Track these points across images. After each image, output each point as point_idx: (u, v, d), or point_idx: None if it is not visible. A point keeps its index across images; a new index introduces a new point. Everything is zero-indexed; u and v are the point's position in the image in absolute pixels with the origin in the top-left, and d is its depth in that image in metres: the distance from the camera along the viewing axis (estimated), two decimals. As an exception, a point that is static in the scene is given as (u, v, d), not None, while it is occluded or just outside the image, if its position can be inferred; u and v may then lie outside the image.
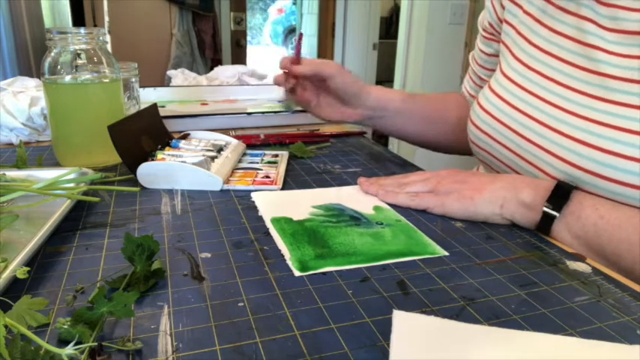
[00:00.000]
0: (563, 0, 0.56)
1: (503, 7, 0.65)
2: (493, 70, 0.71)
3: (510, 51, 0.62)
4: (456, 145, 0.79)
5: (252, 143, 0.79)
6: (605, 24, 0.50)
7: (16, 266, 0.37)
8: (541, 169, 0.54)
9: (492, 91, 0.62)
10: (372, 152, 0.78)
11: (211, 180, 0.59)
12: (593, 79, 0.50)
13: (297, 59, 0.70)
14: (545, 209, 0.48)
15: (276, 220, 0.51)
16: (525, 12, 0.60)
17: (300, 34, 0.74)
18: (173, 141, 0.69)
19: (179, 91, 1.15)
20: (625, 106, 0.47)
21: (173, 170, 0.59)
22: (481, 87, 0.75)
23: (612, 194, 0.48)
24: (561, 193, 0.49)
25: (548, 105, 0.53)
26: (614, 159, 0.47)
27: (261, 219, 0.51)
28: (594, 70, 0.50)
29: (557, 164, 0.52)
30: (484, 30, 0.72)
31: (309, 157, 0.74)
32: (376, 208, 0.55)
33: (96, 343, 0.30)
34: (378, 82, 3.76)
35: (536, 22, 0.58)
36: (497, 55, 0.69)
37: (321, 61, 0.73)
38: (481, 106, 0.63)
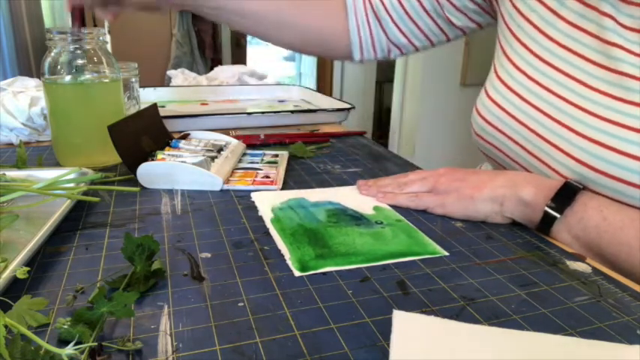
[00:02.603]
0: None
1: None
2: (459, 10, 0.69)
3: (516, 36, 0.59)
4: (309, 48, 0.77)
5: (252, 143, 0.79)
6: (625, 22, 0.49)
7: (16, 266, 0.37)
8: (551, 166, 0.53)
9: (502, 82, 0.60)
10: (372, 152, 0.78)
11: (211, 180, 0.59)
12: (612, 78, 0.49)
13: None
14: (547, 209, 0.48)
15: (276, 220, 0.51)
16: (539, 0, 0.58)
17: None
18: (173, 141, 0.69)
19: (179, 91, 1.15)
20: None
21: (173, 170, 0.59)
22: (426, 10, 0.71)
23: (621, 195, 0.47)
24: (567, 193, 0.48)
25: (563, 101, 0.52)
26: (628, 160, 0.46)
27: (261, 219, 0.51)
28: (614, 68, 0.49)
29: (568, 162, 0.51)
30: None
31: (309, 157, 0.74)
32: (376, 208, 0.55)
33: (96, 343, 0.30)
34: (378, 83, 3.78)
35: (551, 12, 0.56)
36: (476, 2, 0.67)
37: None
38: (490, 97, 0.61)
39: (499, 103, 0.59)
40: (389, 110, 2.76)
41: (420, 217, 0.53)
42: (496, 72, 0.62)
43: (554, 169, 0.52)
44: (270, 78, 1.42)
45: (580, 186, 0.49)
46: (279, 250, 0.45)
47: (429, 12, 0.72)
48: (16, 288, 0.37)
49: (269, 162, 0.69)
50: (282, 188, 0.60)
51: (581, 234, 0.47)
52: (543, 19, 0.57)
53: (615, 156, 0.47)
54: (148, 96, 1.06)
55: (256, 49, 3.81)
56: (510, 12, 0.61)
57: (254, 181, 0.62)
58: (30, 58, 1.83)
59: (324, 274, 0.41)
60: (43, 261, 0.42)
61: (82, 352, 0.29)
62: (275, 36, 0.75)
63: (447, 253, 0.45)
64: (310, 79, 3.93)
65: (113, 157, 0.65)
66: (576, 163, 0.50)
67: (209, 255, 0.44)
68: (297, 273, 0.41)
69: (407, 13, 0.73)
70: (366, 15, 0.76)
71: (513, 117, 0.57)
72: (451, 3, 0.70)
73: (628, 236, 0.44)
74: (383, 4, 0.75)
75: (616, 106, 0.48)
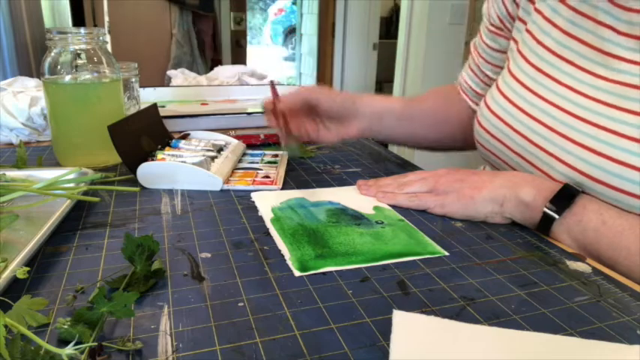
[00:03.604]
0: (577, 1, 0.53)
1: (517, 5, 0.62)
2: (496, 66, 0.69)
3: (519, 50, 0.60)
4: (458, 144, 0.78)
5: (252, 143, 0.79)
6: (623, 29, 0.49)
7: (16, 266, 0.37)
8: (548, 174, 0.53)
9: (500, 92, 0.60)
10: (372, 152, 0.78)
11: (211, 180, 0.59)
12: (609, 87, 0.49)
13: (276, 99, 0.67)
14: (546, 210, 0.48)
15: (276, 220, 0.51)
16: (536, 9, 0.58)
17: (272, 82, 0.68)
18: (173, 141, 0.69)
19: (179, 91, 1.15)
20: None
21: (173, 170, 0.59)
22: (481, 80, 0.72)
23: (620, 204, 0.47)
24: (566, 195, 0.48)
25: (558, 110, 0.52)
26: (627, 170, 0.46)
27: (261, 219, 0.51)
28: (611, 78, 0.49)
29: (565, 171, 0.51)
30: (491, 24, 0.67)
31: (309, 157, 0.74)
32: (376, 208, 0.55)
33: (96, 343, 0.30)
34: (378, 83, 3.78)
35: (547, 21, 0.56)
36: (503, 52, 0.67)
37: (302, 87, 0.71)
38: (489, 108, 0.61)
39: (497, 114, 0.59)
40: (389, 110, 2.75)
41: (420, 217, 0.53)
42: (497, 84, 0.62)
43: (553, 179, 0.52)
44: (270, 78, 1.42)
45: (580, 189, 0.49)
46: (279, 250, 0.45)
47: (483, 80, 0.72)
48: (16, 288, 0.37)
49: (269, 162, 0.69)
50: (282, 188, 0.60)
51: (579, 236, 0.47)
52: (540, 28, 0.57)
53: (614, 166, 0.47)
54: (148, 96, 1.06)
55: (256, 49, 3.81)
56: (519, 27, 0.61)
57: (254, 181, 0.62)
58: (30, 58, 1.83)
59: (324, 274, 0.41)
60: (43, 261, 0.42)
61: (82, 352, 0.29)
62: (427, 137, 0.78)
63: (447, 253, 0.45)
64: (310, 79, 3.93)
65: (113, 157, 0.65)
66: (575, 173, 0.50)
67: (209, 255, 0.44)
68: (297, 273, 0.41)
69: (472, 88, 0.74)
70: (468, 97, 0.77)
71: (512, 128, 0.57)
72: (490, 63, 0.70)
73: (628, 241, 0.44)
74: (461, 89, 0.76)
75: (614, 114, 0.48)
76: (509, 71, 0.60)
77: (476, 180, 0.54)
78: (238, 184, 0.60)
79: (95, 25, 2.46)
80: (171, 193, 0.58)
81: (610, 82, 0.49)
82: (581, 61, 0.52)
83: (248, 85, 1.29)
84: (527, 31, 0.59)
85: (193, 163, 0.59)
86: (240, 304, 0.36)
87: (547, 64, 0.55)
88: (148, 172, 0.58)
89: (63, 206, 0.48)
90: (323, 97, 0.68)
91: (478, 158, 0.71)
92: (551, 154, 0.52)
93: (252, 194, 0.58)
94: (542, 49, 0.56)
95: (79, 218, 0.50)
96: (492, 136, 0.60)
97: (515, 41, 0.62)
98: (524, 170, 0.57)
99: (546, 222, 0.48)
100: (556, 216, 0.48)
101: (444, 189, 0.54)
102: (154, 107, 0.72)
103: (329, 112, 0.69)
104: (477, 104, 0.73)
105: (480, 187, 0.52)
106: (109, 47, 0.68)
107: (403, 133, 0.75)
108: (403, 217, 0.53)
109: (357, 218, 0.52)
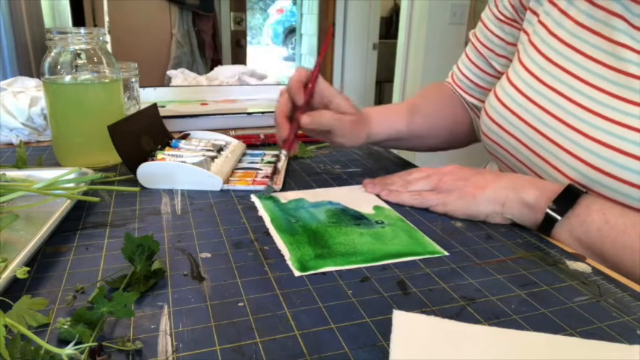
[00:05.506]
0: None
1: None
2: (499, 55, 0.68)
3: (530, 41, 0.59)
4: (453, 145, 0.79)
5: (252, 143, 0.79)
6: (636, 23, 0.48)
7: (16, 266, 0.37)
8: (556, 167, 0.53)
9: (510, 82, 0.59)
10: (372, 152, 0.78)
11: (211, 180, 0.59)
12: (618, 79, 0.48)
13: (311, 89, 0.61)
14: (548, 211, 0.48)
15: (275, 220, 0.51)
16: (551, 1, 0.57)
17: (330, 27, 0.61)
18: (173, 141, 0.69)
19: (179, 91, 1.15)
20: None
21: (173, 170, 0.59)
22: (481, 69, 0.72)
23: (625, 197, 0.47)
24: (569, 196, 0.48)
25: (569, 102, 0.52)
26: (633, 162, 0.46)
27: (261, 219, 0.51)
28: (621, 69, 0.48)
29: (574, 164, 0.50)
30: (501, 13, 0.67)
31: (309, 157, 0.74)
32: (376, 208, 0.55)
33: (96, 343, 0.30)
34: (378, 83, 3.77)
35: (561, 13, 0.56)
36: (508, 42, 0.67)
37: (326, 112, 0.63)
38: (497, 97, 0.61)
39: (505, 102, 0.59)
40: (389, 110, 2.75)
41: (420, 216, 0.53)
42: (507, 74, 0.62)
43: (558, 169, 0.52)
44: (270, 78, 1.42)
45: (583, 189, 0.49)
46: (279, 250, 0.45)
47: (484, 69, 0.72)
48: (16, 288, 0.37)
49: (269, 162, 0.69)
50: (282, 188, 0.60)
51: (583, 236, 0.47)
52: (553, 19, 0.57)
53: (620, 157, 0.47)
54: (148, 96, 1.06)
55: (256, 49, 3.81)
56: (530, 19, 0.61)
57: (254, 181, 0.62)
58: (30, 58, 1.83)
59: (324, 274, 0.41)
60: (43, 261, 0.42)
61: (82, 352, 0.29)
62: (431, 143, 0.78)
63: (447, 253, 0.45)
64: (310, 79, 3.92)
65: (113, 157, 0.65)
66: (581, 164, 0.50)
67: (209, 255, 0.44)
68: (297, 273, 0.41)
69: (471, 80, 0.74)
70: (464, 100, 0.77)
71: (519, 116, 0.57)
72: (492, 51, 0.70)
73: (631, 239, 0.44)
74: (456, 84, 0.76)
75: (622, 107, 0.47)
76: (520, 61, 0.60)
77: (479, 179, 0.54)
78: (238, 184, 0.60)
79: (95, 25, 2.46)
80: (171, 193, 0.58)
81: (618, 73, 0.49)
82: (592, 50, 0.51)
83: (248, 85, 1.29)
84: (540, 22, 0.58)
85: (193, 163, 0.59)
86: (240, 304, 0.36)
87: (558, 55, 0.54)
88: (148, 172, 0.58)
89: (63, 206, 0.48)
90: (338, 128, 0.62)
91: (481, 156, 0.71)
92: (557, 145, 0.52)
93: (252, 195, 0.58)
94: (555, 40, 0.55)
95: (79, 218, 0.50)
96: (499, 126, 0.60)
97: (526, 33, 0.61)
98: (531, 162, 0.56)
99: (548, 223, 0.48)
100: (558, 217, 0.47)
101: (447, 187, 0.54)
102: (154, 107, 0.72)
103: (336, 136, 0.64)
104: (473, 97, 0.74)
105: (482, 186, 0.52)
106: (109, 47, 0.68)
107: (400, 146, 0.75)
108: (403, 217, 0.53)
109: (357, 218, 0.52)
